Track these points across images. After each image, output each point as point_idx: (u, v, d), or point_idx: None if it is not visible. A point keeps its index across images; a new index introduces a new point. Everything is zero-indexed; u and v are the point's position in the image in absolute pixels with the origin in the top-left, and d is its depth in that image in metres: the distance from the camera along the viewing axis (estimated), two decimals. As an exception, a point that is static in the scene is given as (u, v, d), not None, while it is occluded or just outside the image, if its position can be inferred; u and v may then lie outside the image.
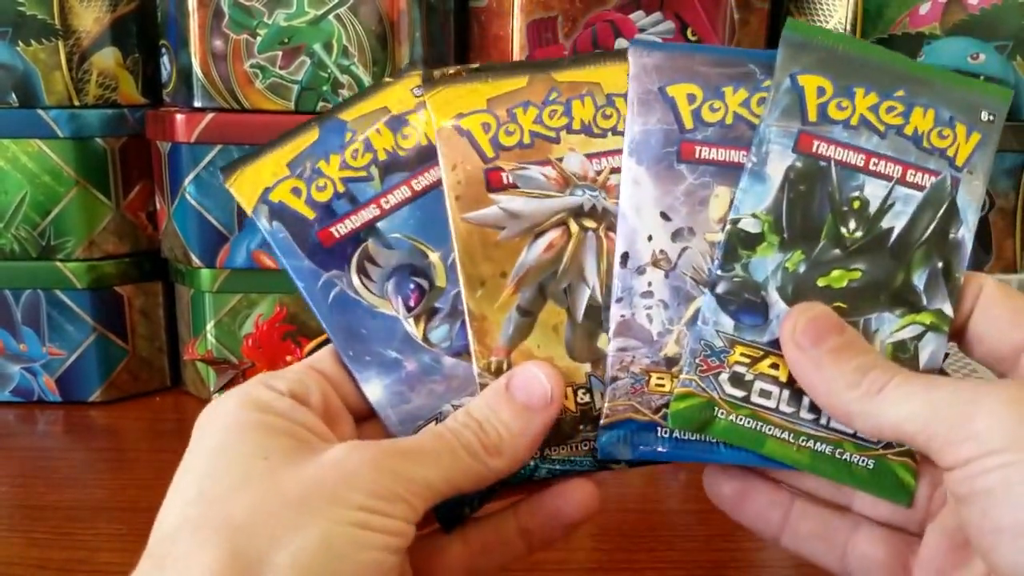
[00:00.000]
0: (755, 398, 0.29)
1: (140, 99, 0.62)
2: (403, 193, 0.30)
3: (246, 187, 0.30)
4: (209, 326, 0.60)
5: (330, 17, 0.55)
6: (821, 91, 0.29)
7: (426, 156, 0.30)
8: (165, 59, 0.59)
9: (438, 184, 0.30)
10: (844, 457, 0.28)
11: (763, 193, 0.29)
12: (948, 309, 0.28)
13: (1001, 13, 0.56)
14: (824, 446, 0.28)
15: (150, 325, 0.64)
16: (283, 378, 0.27)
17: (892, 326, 0.28)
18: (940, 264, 0.28)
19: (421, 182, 0.30)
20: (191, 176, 0.57)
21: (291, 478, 0.24)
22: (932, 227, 0.29)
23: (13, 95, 0.58)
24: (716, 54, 0.30)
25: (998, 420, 0.23)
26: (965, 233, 0.29)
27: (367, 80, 0.56)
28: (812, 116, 0.29)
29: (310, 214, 0.30)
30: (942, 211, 0.28)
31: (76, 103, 0.59)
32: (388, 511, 0.24)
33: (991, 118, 0.29)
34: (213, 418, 0.26)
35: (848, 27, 0.56)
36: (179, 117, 0.56)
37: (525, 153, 0.29)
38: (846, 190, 0.29)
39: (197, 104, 0.57)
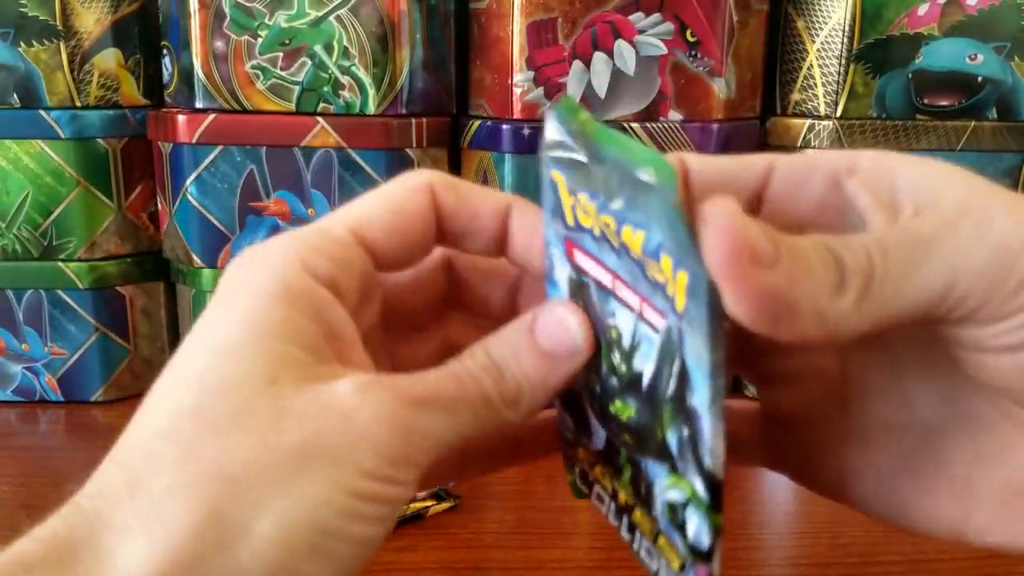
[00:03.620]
0: (594, 499, 0.27)
1: (141, 100, 0.62)
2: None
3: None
4: (210, 326, 0.60)
5: (331, 18, 0.55)
6: (570, 190, 0.23)
7: None
8: (166, 60, 0.59)
9: None
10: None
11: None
12: (700, 488, 0.21)
13: (999, 14, 0.56)
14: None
15: (152, 325, 0.64)
16: (328, 257, 0.22)
17: (664, 481, 0.23)
18: (686, 432, 0.21)
19: None
20: (192, 176, 0.58)
21: (295, 417, 0.20)
22: (671, 386, 0.21)
23: (15, 96, 0.58)
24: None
25: None
26: (700, 405, 0.20)
27: (367, 81, 0.56)
28: (570, 219, 0.23)
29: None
30: (675, 369, 0.21)
31: (78, 104, 0.59)
32: (395, 478, 0.20)
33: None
34: (237, 291, 0.22)
35: (847, 28, 0.57)
36: (180, 118, 0.57)
37: None
38: (605, 315, 0.23)
39: (198, 105, 0.57)
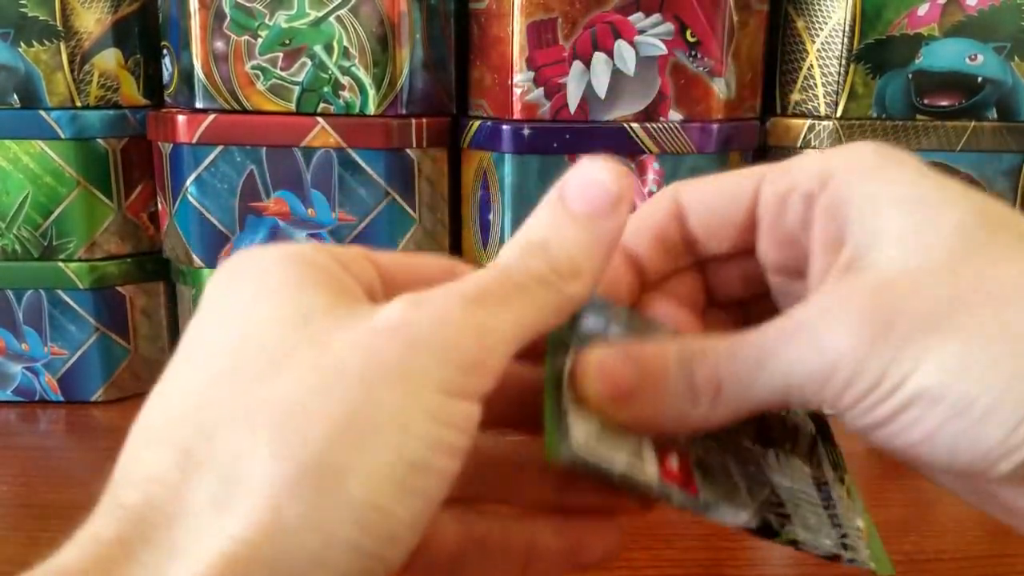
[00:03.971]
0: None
1: (141, 100, 0.62)
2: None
3: None
4: (210, 326, 0.60)
5: (331, 19, 0.55)
6: None
7: None
8: (167, 60, 0.59)
9: None
10: None
11: None
12: None
13: (999, 14, 0.56)
14: None
15: (152, 325, 0.64)
16: (333, 249, 0.21)
17: None
18: None
19: None
20: (192, 177, 0.58)
21: (345, 346, 0.18)
22: None
23: (15, 96, 0.58)
24: None
25: (853, 352, 0.20)
26: None
27: (367, 81, 0.56)
28: None
29: None
30: None
31: (78, 104, 0.59)
32: (469, 389, 0.18)
33: None
34: (240, 271, 0.20)
35: (847, 28, 0.57)
36: (180, 118, 0.57)
37: None
38: None
39: (198, 105, 0.57)
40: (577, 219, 0.21)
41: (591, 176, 0.22)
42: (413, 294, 0.19)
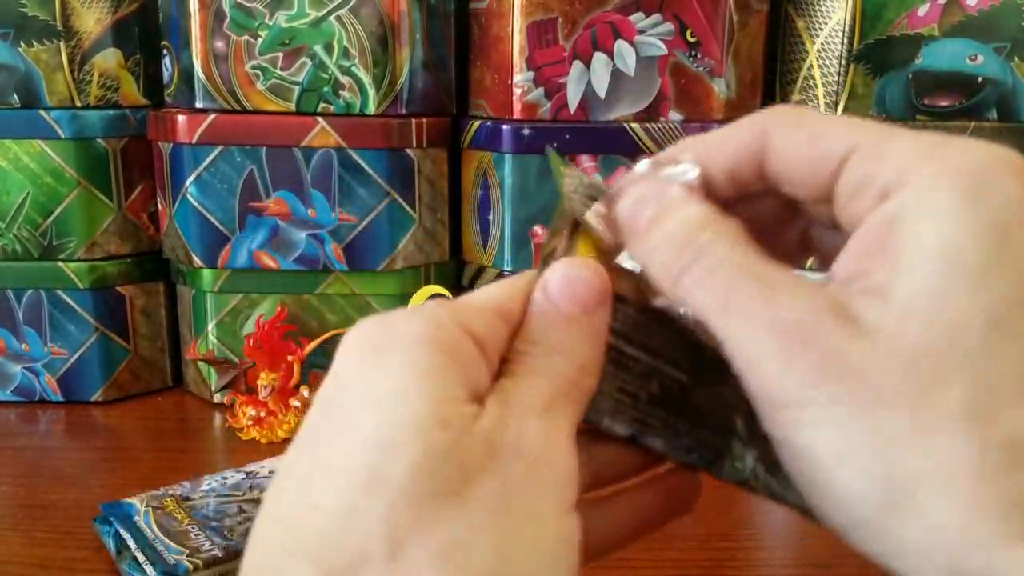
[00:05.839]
0: None
1: (141, 100, 0.62)
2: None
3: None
4: (210, 326, 0.60)
5: (331, 18, 0.55)
6: None
7: None
8: (167, 60, 0.59)
9: None
10: None
11: None
12: None
13: (999, 14, 0.56)
14: None
15: (152, 325, 0.64)
16: (474, 316, 0.22)
17: None
18: None
19: None
20: (192, 176, 0.58)
21: (493, 489, 0.19)
22: None
23: (15, 96, 0.58)
24: None
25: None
26: None
27: (367, 81, 0.56)
28: None
29: None
30: None
31: (78, 104, 0.59)
32: (573, 499, 0.21)
33: None
34: (379, 359, 0.21)
35: (847, 28, 0.57)
36: (180, 118, 0.57)
37: None
38: None
39: (198, 105, 0.57)
40: (569, 319, 0.23)
41: (572, 275, 0.23)
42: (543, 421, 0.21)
